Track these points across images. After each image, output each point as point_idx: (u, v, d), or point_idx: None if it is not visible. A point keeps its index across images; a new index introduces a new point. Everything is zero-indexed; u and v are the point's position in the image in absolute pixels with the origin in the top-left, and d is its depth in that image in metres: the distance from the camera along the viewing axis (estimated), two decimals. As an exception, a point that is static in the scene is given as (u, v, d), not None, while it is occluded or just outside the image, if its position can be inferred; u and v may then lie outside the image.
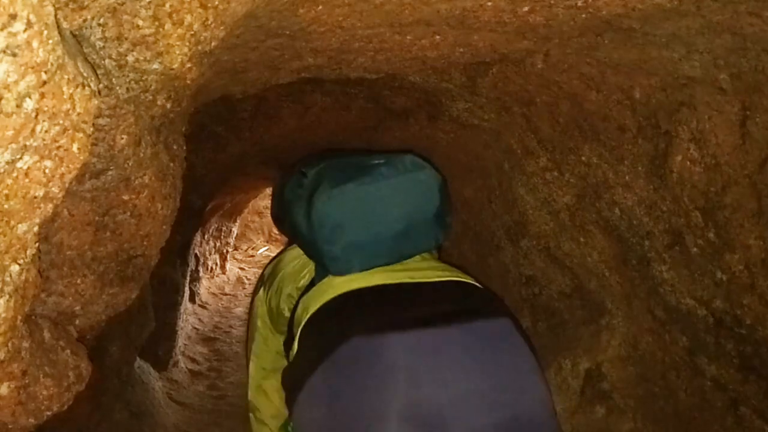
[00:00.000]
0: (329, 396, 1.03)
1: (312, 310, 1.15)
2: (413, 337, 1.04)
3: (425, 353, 1.03)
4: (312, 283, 1.24)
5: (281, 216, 1.41)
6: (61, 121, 0.87)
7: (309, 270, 1.29)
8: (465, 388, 1.01)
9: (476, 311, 1.13)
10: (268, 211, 8.04)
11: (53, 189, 0.92)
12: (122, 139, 1.19)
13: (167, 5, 1.07)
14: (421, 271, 1.22)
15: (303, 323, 1.14)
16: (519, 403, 1.05)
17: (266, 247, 8.43)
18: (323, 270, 1.24)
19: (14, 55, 0.74)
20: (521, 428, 1.04)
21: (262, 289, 1.40)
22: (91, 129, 0.95)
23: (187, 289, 4.51)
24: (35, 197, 0.90)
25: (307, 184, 1.28)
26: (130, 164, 1.25)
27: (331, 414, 1.02)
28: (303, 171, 1.34)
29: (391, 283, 1.17)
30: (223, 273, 6.96)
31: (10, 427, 1.12)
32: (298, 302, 1.23)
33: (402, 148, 3.18)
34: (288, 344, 1.22)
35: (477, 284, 1.22)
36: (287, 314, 1.26)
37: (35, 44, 0.76)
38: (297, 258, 1.35)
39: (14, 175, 0.85)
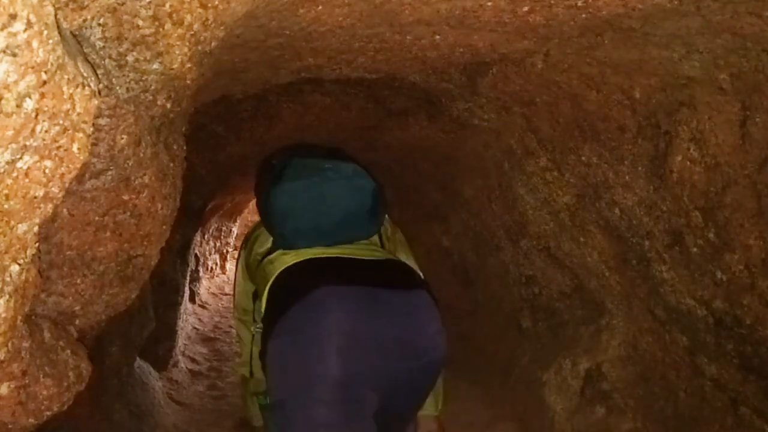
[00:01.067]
0: (294, 330, 1.38)
1: (272, 277, 1.50)
2: (355, 291, 1.42)
3: (363, 304, 1.40)
4: (270, 250, 1.60)
5: (256, 194, 1.78)
6: (61, 121, 0.87)
7: (270, 239, 1.64)
8: (395, 335, 1.40)
9: (400, 282, 1.52)
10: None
11: (53, 189, 0.92)
12: (122, 139, 1.19)
13: (167, 5, 1.07)
14: (361, 251, 1.58)
15: (268, 286, 1.49)
16: (428, 355, 1.45)
17: (266, 247, 8.41)
18: (278, 245, 1.60)
19: (14, 55, 0.74)
20: (425, 375, 1.47)
21: (243, 249, 1.75)
22: (91, 129, 0.95)
23: (187, 289, 4.51)
24: (35, 197, 0.90)
25: (272, 175, 1.62)
26: (130, 164, 1.25)
27: (294, 341, 1.37)
28: (273, 162, 1.71)
29: (332, 256, 1.53)
30: (223, 273, 6.96)
31: (10, 427, 1.12)
32: (261, 261, 1.59)
33: (402, 147, 3.18)
34: (254, 296, 1.64)
35: (404, 263, 1.62)
36: (254, 268, 1.62)
37: (35, 44, 0.76)
38: (258, 242, 1.70)
39: (14, 175, 0.85)
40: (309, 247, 1.55)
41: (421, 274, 1.64)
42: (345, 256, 1.53)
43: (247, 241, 1.73)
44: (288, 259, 1.52)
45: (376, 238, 1.72)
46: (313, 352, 1.34)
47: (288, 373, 1.38)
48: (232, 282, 1.85)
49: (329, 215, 1.56)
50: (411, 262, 1.69)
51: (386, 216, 1.78)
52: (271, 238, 1.62)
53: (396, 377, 1.42)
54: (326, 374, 1.32)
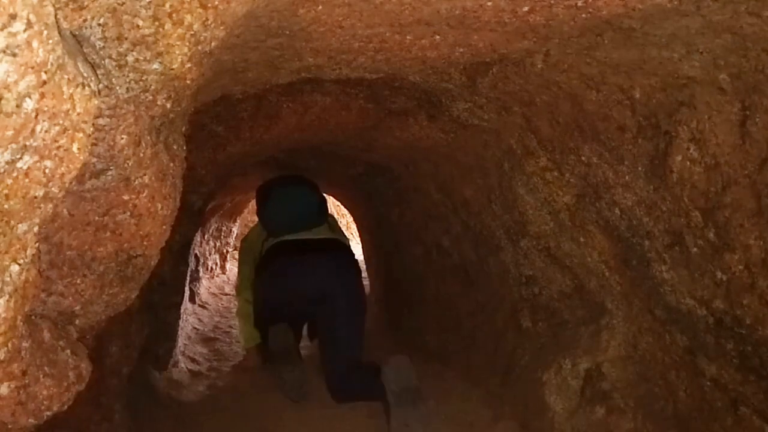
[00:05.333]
0: (268, 281, 3.27)
1: (265, 249, 3.34)
2: (300, 257, 3.20)
3: (307, 265, 3.17)
4: (267, 237, 3.42)
5: (258, 208, 3.54)
6: (61, 121, 0.87)
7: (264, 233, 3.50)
8: (329, 282, 3.14)
9: (333, 249, 3.29)
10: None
11: (53, 189, 0.92)
12: (122, 139, 1.19)
13: (167, 5, 1.07)
14: (316, 233, 3.32)
15: (263, 254, 3.33)
16: (351, 299, 3.16)
17: (266, 247, 8.39)
18: (268, 233, 3.39)
19: (14, 55, 0.74)
20: (352, 311, 3.15)
21: (244, 243, 3.72)
22: (91, 129, 0.95)
23: (187, 289, 4.50)
24: (35, 197, 0.90)
25: (265, 196, 3.43)
26: (130, 164, 1.25)
27: (269, 287, 3.28)
28: (271, 181, 3.55)
29: (298, 239, 3.28)
30: (223, 273, 6.96)
31: (10, 427, 1.12)
32: (262, 245, 3.40)
33: (402, 147, 3.18)
34: (255, 262, 3.49)
35: (340, 239, 3.40)
36: (258, 252, 3.45)
37: (35, 44, 0.76)
38: (258, 229, 3.61)
39: (14, 175, 0.85)
40: (288, 233, 3.27)
41: (347, 242, 3.43)
42: (301, 238, 3.23)
43: (250, 239, 3.69)
44: (273, 241, 3.30)
45: (325, 224, 3.44)
46: (278, 282, 3.15)
47: (267, 289, 3.23)
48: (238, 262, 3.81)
49: (296, 216, 3.29)
50: (343, 236, 3.51)
51: (331, 212, 3.60)
52: (264, 232, 3.46)
53: (324, 295, 3.06)
54: (284, 290, 3.15)
